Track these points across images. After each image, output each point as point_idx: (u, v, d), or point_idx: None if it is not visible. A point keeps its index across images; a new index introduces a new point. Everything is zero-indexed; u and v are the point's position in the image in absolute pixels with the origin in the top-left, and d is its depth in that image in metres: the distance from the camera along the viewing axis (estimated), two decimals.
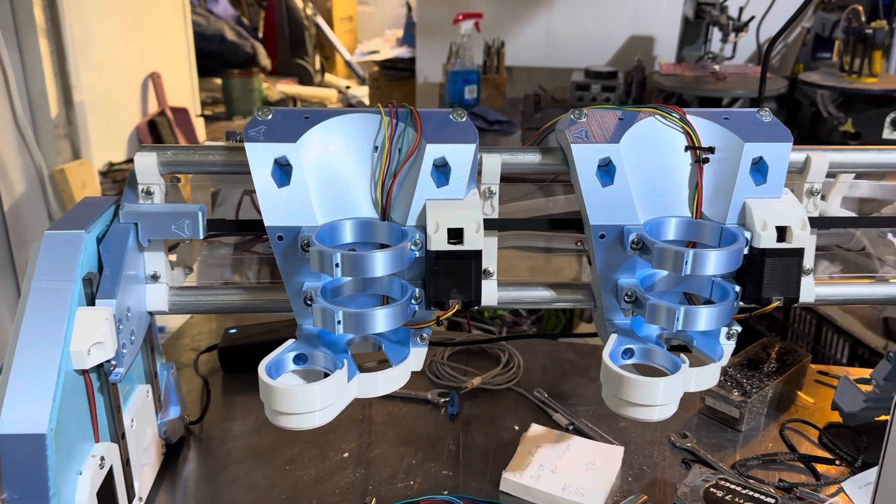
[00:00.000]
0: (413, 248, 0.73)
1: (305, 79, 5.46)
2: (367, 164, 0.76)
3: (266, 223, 0.73)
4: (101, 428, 0.74)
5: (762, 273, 0.76)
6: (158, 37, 3.57)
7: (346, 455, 0.96)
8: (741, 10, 2.57)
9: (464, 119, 0.77)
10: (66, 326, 0.68)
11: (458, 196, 0.75)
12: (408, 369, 0.77)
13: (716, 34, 2.68)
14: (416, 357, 0.78)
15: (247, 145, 0.73)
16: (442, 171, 0.75)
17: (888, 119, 2.28)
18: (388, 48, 4.85)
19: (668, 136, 0.79)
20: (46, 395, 0.65)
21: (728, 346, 0.80)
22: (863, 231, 1.00)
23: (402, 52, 4.26)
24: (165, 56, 3.60)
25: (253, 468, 0.94)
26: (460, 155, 0.75)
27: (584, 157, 0.76)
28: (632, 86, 2.75)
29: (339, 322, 0.70)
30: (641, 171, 0.78)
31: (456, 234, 0.72)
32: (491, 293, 0.82)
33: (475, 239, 0.72)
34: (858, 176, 0.98)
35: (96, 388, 0.72)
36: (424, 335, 0.78)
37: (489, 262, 0.81)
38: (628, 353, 0.77)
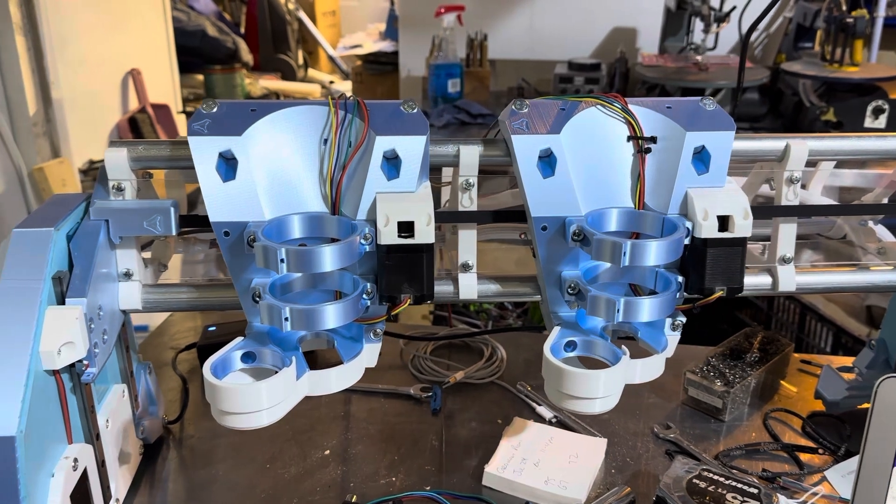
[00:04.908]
0: (363, 242, 0.71)
1: (288, 74, 5.41)
2: (316, 158, 0.75)
3: (211, 218, 0.72)
4: (75, 429, 0.73)
5: (704, 263, 0.75)
6: (138, 33, 3.53)
7: (327, 453, 0.95)
8: (722, 0, 2.57)
9: (415, 110, 0.75)
10: (36, 326, 0.67)
11: (410, 189, 0.74)
12: (361, 365, 0.76)
13: (698, 25, 2.68)
14: (370, 353, 0.77)
15: (190, 139, 0.71)
16: (392, 163, 0.74)
17: (869, 108, 2.29)
18: (370, 42, 4.82)
19: (610, 126, 0.78)
20: (15, 397, 0.64)
21: (673, 338, 0.79)
22: (844, 219, 1.00)
23: (385, 45, 4.23)
24: (145, 52, 3.56)
25: (233, 467, 0.92)
26: (411, 147, 0.74)
27: (525, 147, 0.75)
28: (615, 77, 2.75)
29: (286, 319, 0.68)
30: (583, 161, 0.77)
31: (407, 228, 0.71)
32: (470, 287, 0.81)
33: (426, 232, 0.70)
34: (839, 165, 0.98)
35: (68, 389, 0.71)
36: (378, 330, 0.77)
37: (468, 255, 0.80)
38: (571, 345, 0.76)
